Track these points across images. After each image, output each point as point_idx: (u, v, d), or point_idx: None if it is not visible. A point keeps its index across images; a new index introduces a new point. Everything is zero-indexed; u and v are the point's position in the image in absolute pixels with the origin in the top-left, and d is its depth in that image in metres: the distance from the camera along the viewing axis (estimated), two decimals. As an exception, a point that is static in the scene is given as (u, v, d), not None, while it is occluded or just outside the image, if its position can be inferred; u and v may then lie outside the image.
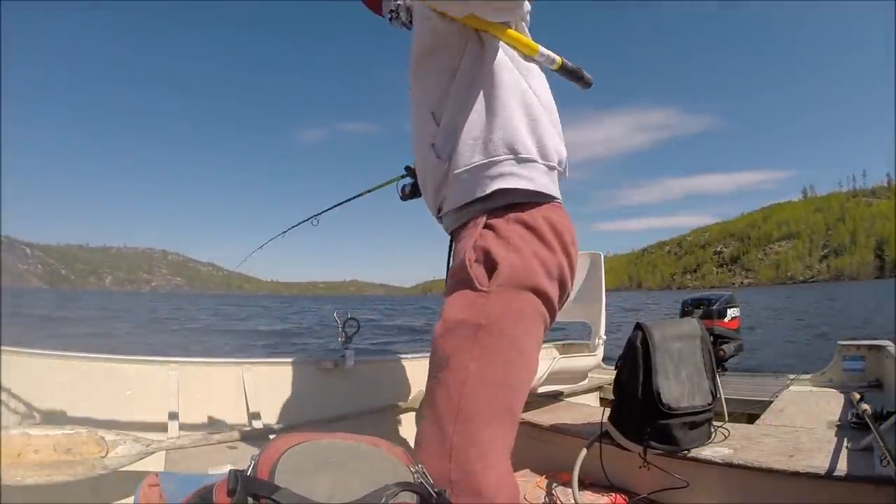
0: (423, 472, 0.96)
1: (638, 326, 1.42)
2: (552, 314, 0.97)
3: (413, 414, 1.88)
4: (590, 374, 2.32)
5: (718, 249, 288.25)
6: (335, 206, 1.84)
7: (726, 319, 2.14)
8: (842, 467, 1.14)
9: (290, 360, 1.81)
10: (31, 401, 1.30)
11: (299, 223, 1.89)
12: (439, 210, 1.07)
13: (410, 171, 1.47)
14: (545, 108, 1.00)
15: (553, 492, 1.52)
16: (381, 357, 2.13)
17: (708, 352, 1.44)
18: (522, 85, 0.97)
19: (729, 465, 1.27)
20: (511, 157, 0.92)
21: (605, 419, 1.50)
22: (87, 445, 1.19)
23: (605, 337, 2.19)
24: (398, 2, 1.26)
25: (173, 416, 1.48)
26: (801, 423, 1.55)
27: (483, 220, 0.93)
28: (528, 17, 1.01)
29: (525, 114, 0.95)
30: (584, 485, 1.48)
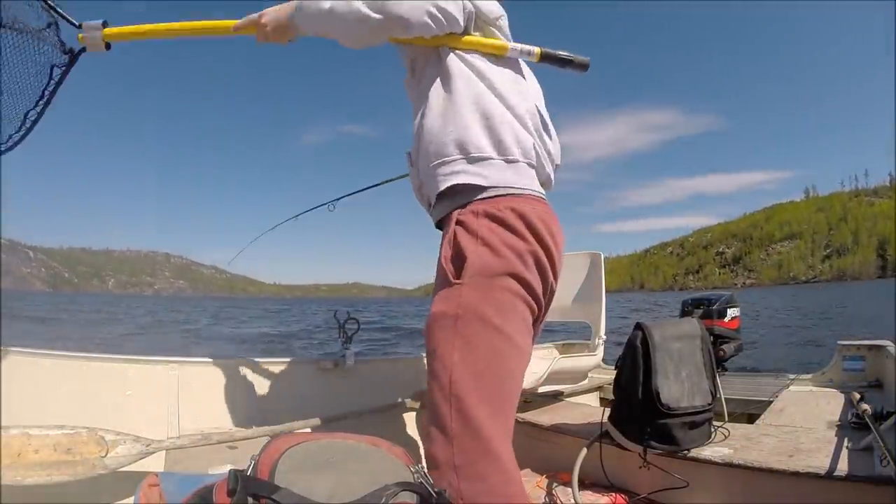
0: (423, 472, 0.97)
1: (638, 326, 1.43)
2: (536, 299, 0.99)
3: (413, 414, 1.88)
4: (590, 374, 2.32)
5: (721, 250, 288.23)
6: (352, 193, 1.83)
7: (726, 319, 2.14)
8: (842, 467, 1.14)
9: (290, 359, 1.81)
10: (31, 401, 1.30)
11: (316, 207, 1.87)
12: (430, 207, 1.13)
13: None
14: (514, 107, 1.04)
15: (553, 492, 1.52)
16: (381, 357, 2.13)
17: (708, 352, 1.44)
18: (478, 89, 1.02)
19: (729, 465, 1.27)
20: (461, 156, 0.98)
21: (605, 419, 1.50)
22: (87, 445, 1.19)
23: (605, 337, 2.19)
24: None
25: (173, 416, 1.48)
26: (801, 423, 1.55)
27: (455, 216, 0.99)
28: (500, 21, 1.07)
29: (480, 115, 1.00)
30: (584, 485, 1.48)
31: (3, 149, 1.09)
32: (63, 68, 1.13)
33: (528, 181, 1.02)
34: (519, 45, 1.02)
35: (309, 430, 1.57)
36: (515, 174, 1.00)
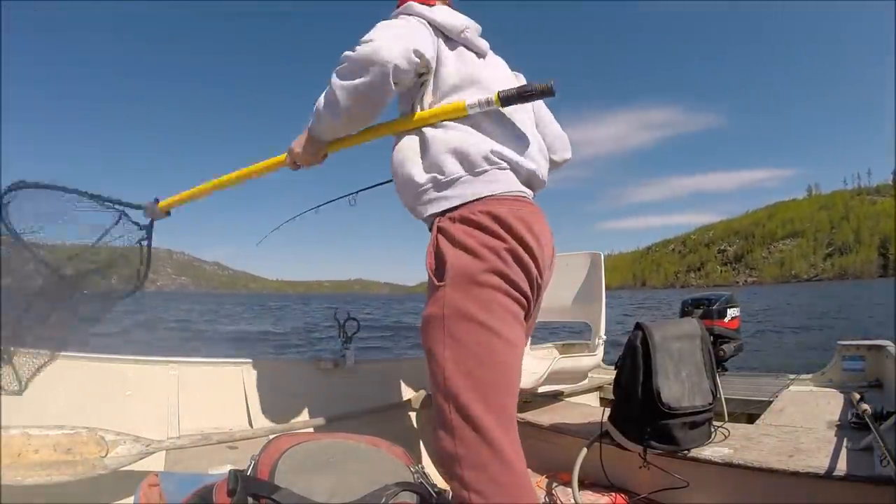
0: (423, 472, 0.97)
1: (638, 326, 1.43)
2: (522, 293, 1.02)
3: (413, 413, 1.88)
4: (590, 374, 2.32)
5: (723, 247, 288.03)
6: (373, 186, 1.81)
7: (726, 319, 2.14)
8: (842, 467, 1.14)
9: (290, 360, 1.81)
10: (31, 401, 1.30)
11: (336, 199, 1.86)
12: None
13: None
14: (479, 123, 1.09)
15: (553, 492, 1.53)
16: (381, 357, 2.13)
17: (708, 352, 1.43)
18: (454, 137, 1.08)
19: (729, 465, 1.27)
20: (430, 185, 1.07)
21: (605, 419, 1.50)
22: (87, 445, 1.19)
23: (605, 337, 2.18)
24: None
25: (173, 416, 1.48)
26: (801, 423, 1.55)
27: (435, 225, 1.05)
28: (465, 34, 1.13)
29: (450, 152, 1.06)
30: (584, 485, 1.48)
31: (124, 295, 1.49)
32: (146, 240, 1.50)
33: (502, 185, 1.06)
34: (476, 99, 1.07)
35: (309, 430, 1.57)
36: (486, 182, 1.05)
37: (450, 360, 0.96)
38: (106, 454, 1.20)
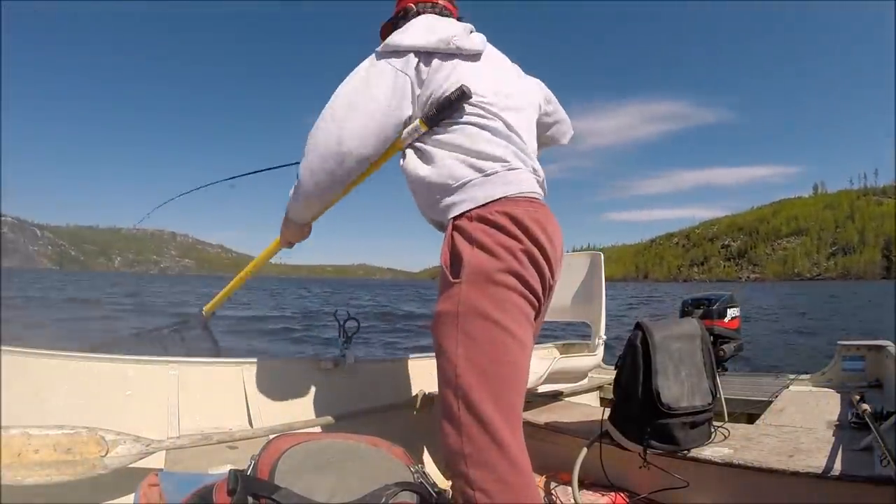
0: (423, 472, 0.97)
1: (638, 326, 1.42)
2: (535, 294, 1.03)
3: (413, 413, 1.88)
4: (590, 374, 2.32)
5: (726, 243, 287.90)
6: (269, 168, 1.89)
7: (726, 319, 2.13)
8: (842, 467, 1.14)
9: (290, 359, 1.81)
10: (31, 401, 1.30)
11: (248, 173, 1.93)
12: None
13: None
14: (487, 125, 1.11)
15: (553, 492, 1.52)
16: (381, 357, 2.13)
17: (708, 352, 1.43)
18: (457, 141, 1.10)
19: (729, 465, 1.27)
20: (443, 193, 1.09)
21: (605, 419, 1.50)
22: (87, 445, 1.19)
23: (605, 337, 2.18)
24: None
25: (173, 416, 1.48)
26: (801, 423, 1.55)
27: (451, 222, 1.06)
28: (455, 42, 1.13)
29: (456, 156, 1.09)
30: (584, 485, 1.48)
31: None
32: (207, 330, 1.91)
33: (514, 187, 1.07)
34: (406, 132, 1.12)
35: (309, 430, 1.57)
36: (500, 184, 1.06)
37: (462, 357, 0.96)
38: (106, 454, 1.20)
